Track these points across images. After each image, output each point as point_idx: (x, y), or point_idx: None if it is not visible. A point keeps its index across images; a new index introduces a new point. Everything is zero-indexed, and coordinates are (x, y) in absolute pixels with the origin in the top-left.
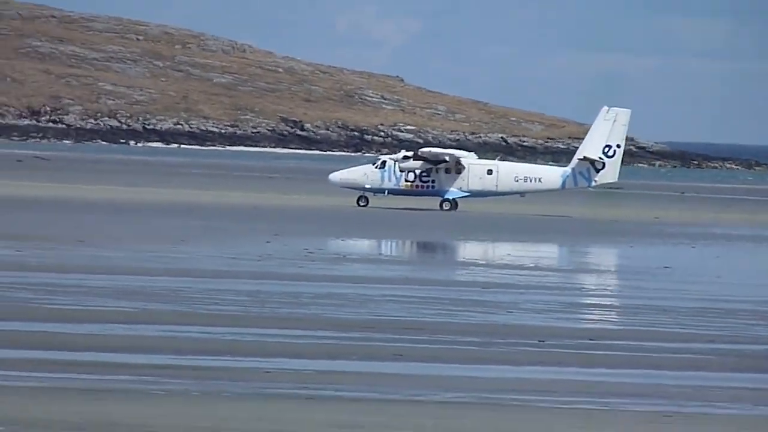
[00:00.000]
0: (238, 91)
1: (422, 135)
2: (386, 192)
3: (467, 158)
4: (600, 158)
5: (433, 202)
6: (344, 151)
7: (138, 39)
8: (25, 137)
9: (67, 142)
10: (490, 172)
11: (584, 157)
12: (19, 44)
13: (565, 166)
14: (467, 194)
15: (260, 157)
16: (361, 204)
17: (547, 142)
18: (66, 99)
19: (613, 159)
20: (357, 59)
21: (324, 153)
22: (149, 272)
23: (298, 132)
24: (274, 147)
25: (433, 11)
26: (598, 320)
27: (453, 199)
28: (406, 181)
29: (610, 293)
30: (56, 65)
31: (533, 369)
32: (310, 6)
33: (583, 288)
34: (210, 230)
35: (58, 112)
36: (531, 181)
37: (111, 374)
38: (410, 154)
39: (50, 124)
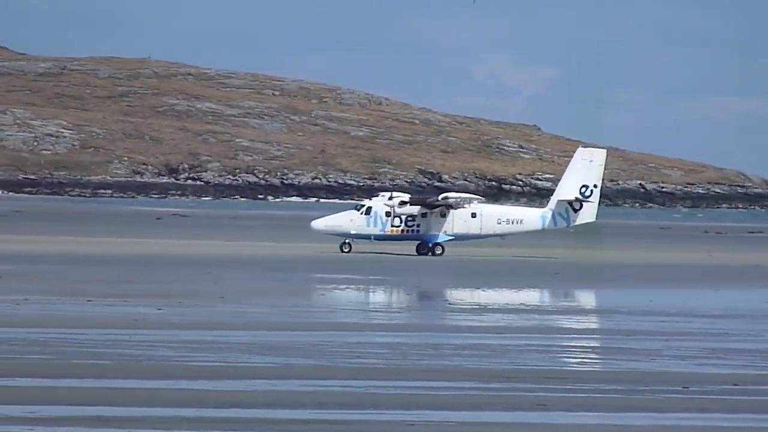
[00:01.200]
0: (376, 144)
1: None
2: (372, 238)
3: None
4: (578, 198)
5: (411, 246)
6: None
7: (274, 94)
8: (164, 195)
9: (206, 198)
10: (474, 215)
11: (566, 198)
12: (157, 102)
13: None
14: (452, 238)
15: None
16: (345, 250)
17: (686, 187)
18: (204, 156)
19: (591, 199)
20: (493, 108)
21: None
22: (290, 327)
23: (436, 183)
24: None
25: (568, 58)
26: (742, 365)
27: (442, 243)
28: (393, 226)
29: (754, 338)
30: (193, 122)
31: (678, 416)
32: (444, 57)
33: (727, 333)
34: (348, 283)
35: (197, 169)
36: (513, 223)
37: (255, 430)
38: (406, 198)
39: (189, 182)
